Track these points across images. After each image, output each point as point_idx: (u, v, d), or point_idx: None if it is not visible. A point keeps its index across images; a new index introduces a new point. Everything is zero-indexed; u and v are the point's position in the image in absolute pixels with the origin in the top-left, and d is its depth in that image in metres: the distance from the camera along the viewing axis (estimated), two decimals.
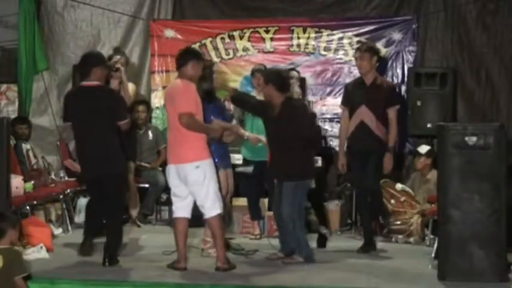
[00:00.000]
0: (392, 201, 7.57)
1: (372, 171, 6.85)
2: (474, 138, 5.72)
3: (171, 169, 6.13)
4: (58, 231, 7.59)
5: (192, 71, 6.09)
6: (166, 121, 9.11)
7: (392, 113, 6.83)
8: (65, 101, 6.58)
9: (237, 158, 7.84)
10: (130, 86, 7.23)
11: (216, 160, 6.33)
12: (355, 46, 8.94)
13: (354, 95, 7.00)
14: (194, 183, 5.98)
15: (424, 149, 7.91)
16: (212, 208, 6.02)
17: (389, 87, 7.04)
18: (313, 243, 6.95)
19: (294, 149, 6.29)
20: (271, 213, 7.65)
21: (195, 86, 6.10)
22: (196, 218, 6.32)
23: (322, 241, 7.14)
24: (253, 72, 7.76)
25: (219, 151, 6.53)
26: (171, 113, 6.04)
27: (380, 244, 7.13)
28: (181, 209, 6.14)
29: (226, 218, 6.89)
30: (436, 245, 6.13)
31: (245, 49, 9.24)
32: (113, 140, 6.27)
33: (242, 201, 7.83)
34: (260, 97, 7.57)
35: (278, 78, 6.47)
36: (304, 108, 6.82)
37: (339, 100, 9.03)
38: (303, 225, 6.52)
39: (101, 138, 6.20)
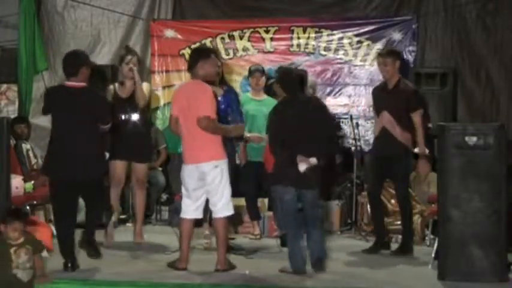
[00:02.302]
0: (393, 201, 7.56)
1: (401, 184, 6.90)
2: (474, 138, 5.72)
3: (189, 169, 6.07)
4: None
5: (202, 71, 6.13)
6: (167, 120, 9.25)
7: (416, 117, 6.81)
8: (46, 97, 6.34)
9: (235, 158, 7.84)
10: (145, 86, 7.23)
11: None
12: (355, 46, 9.02)
13: (378, 100, 7.03)
14: (212, 182, 6.02)
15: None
16: (225, 208, 6.07)
17: (410, 91, 6.97)
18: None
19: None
20: (271, 213, 7.66)
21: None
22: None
23: None
24: (251, 72, 7.72)
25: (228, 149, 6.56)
26: (187, 114, 6.02)
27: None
28: (192, 211, 6.13)
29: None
30: (436, 245, 6.13)
31: (245, 49, 9.24)
32: (94, 143, 6.07)
33: (242, 201, 7.83)
34: (257, 97, 7.58)
35: (283, 77, 6.32)
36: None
37: (339, 100, 9.11)
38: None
39: (81, 140, 5.98)
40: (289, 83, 6.18)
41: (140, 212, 7.31)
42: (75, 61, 6.13)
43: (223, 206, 6.05)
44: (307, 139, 5.95)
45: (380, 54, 7.11)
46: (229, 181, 6.11)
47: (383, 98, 6.94)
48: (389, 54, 6.98)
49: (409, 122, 6.83)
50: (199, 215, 6.19)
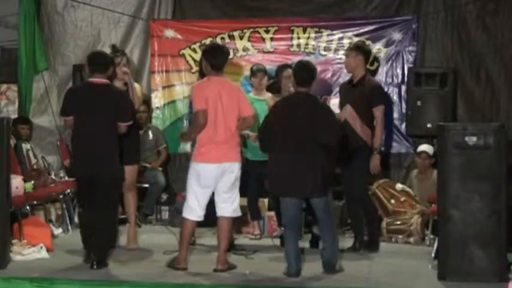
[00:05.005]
0: (393, 201, 7.57)
1: (358, 179, 6.87)
2: (474, 138, 5.72)
3: (214, 168, 6.01)
4: (58, 231, 7.59)
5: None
6: (167, 120, 9.27)
7: (377, 113, 6.85)
8: (69, 95, 6.45)
9: None
10: (137, 87, 7.20)
11: None
12: None
13: (343, 94, 7.11)
14: (235, 181, 6.14)
15: (425, 148, 7.96)
16: (237, 209, 6.19)
17: (373, 86, 7.02)
18: (306, 244, 6.98)
19: None
20: (271, 213, 7.67)
21: None
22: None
23: (314, 241, 7.08)
24: (254, 72, 7.71)
25: None
26: (222, 111, 6.00)
27: (380, 244, 7.11)
28: (196, 212, 6.09)
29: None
30: (436, 245, 6.13)
31: (245, 49, 9.23)
32: (114, 140, 6.24)
33: (242, 201, 7.81)
34: (259, 97, 7.58)
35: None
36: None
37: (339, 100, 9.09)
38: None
39: (103, 137, 6.17)
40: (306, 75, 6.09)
41: (132, 215, 7.13)
42: (106, 59, 6.42)
43: (237, 207, 6.19)
44: (309, 141, 5.89)
45: (348, 47, 7.25)
46: None
47: (347, 92, 7.00)
48: (353, 47, 7.09)
49: (371, 118, 6.86)
50: (202, 216, 6.14)
